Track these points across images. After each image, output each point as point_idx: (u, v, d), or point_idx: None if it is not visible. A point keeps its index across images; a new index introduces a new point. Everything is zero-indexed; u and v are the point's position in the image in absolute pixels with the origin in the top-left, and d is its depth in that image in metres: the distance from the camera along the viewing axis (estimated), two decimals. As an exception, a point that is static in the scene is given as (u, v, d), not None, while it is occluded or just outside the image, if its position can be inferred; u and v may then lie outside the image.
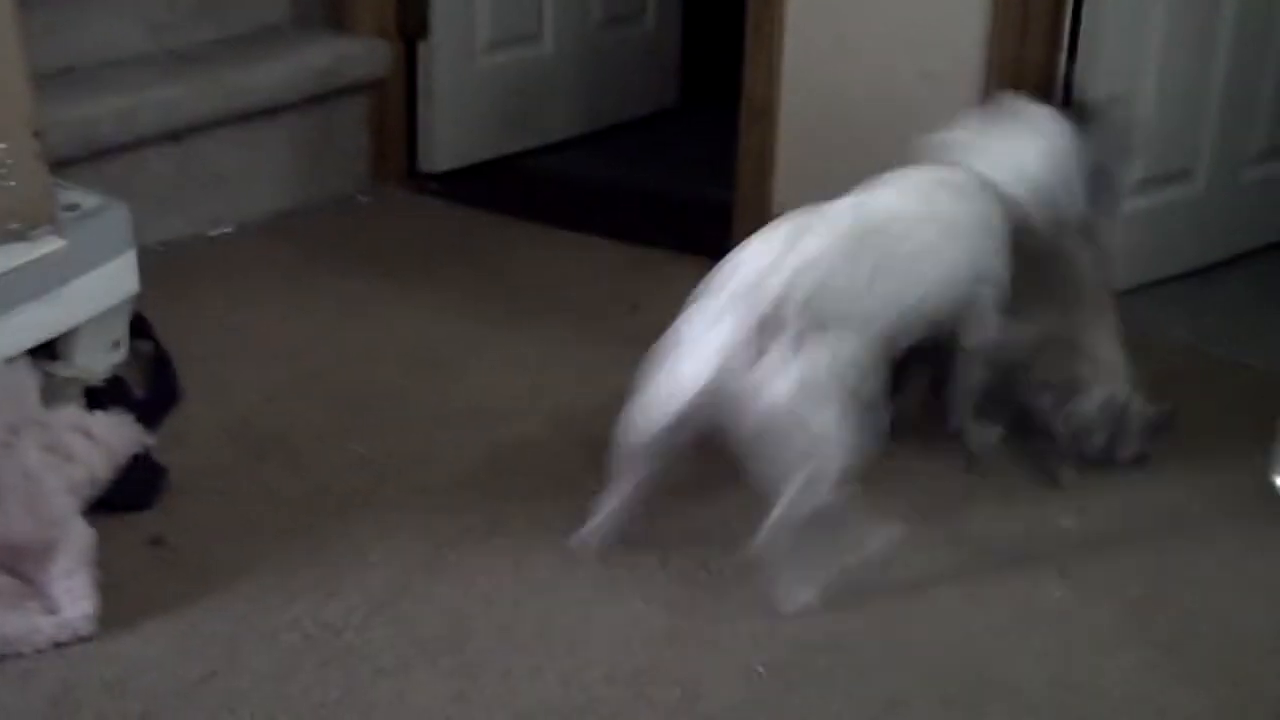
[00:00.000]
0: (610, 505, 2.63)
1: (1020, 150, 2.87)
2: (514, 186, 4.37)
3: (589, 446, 2.98)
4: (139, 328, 3.17)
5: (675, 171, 4.45)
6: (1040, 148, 2.88)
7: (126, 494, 2.69)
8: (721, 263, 2.60)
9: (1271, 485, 0.79)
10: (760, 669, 2.40)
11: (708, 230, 3.83)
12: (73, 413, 2.80)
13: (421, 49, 4.28)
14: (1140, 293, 3.74)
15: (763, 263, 2.51)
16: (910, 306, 2.66)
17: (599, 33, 4.72)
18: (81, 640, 2.36)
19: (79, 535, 2.49)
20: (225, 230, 3.93)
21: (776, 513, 2.44)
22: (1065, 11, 3.50)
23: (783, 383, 2.42)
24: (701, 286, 2.59)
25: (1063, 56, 3.52)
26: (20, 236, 2.85)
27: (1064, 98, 3.33)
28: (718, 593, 2.58)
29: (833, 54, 3.68)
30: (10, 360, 2.78)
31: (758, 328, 2.44)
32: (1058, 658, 2.46)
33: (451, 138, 4.36)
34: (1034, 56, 3.50)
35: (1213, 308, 3.75)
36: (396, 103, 4.28)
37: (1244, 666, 2.44)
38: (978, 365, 2.93)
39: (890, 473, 2.92)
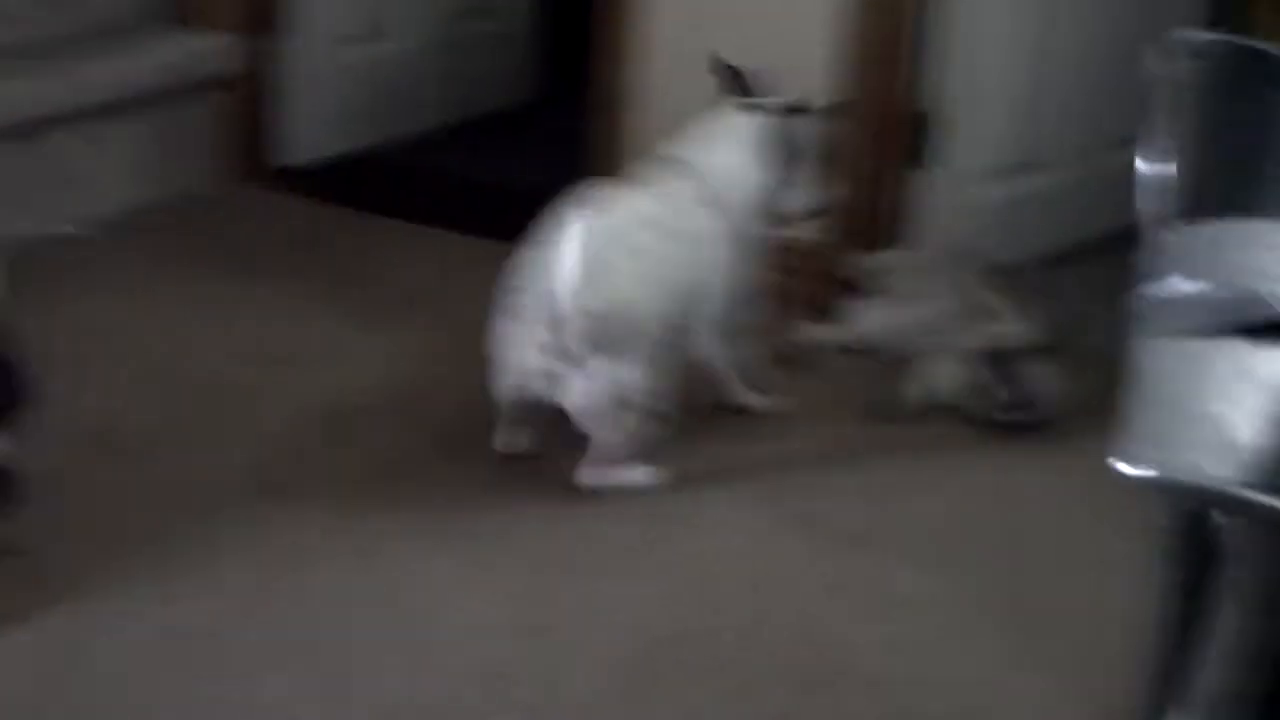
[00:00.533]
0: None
1: (737, 158, 3.00)
2: (372, 182, 4.33)
3: (446, 442, 2.97)
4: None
5: (535, 165, 4.42)
6: (754, 152, 3.01)
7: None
8: (524, 256, 2.79)
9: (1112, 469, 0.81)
10: (617, 659, 2.40)
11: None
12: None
13: (274, 44, 4.23)
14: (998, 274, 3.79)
15: (558, 269, 2.69)
16: (676, 315, 2.87)
17: (453, 25, 4.69)
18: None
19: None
20: (76, 229, 3.85)
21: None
22: (911, 13, 3.56)
23: (578, 386, 2.71)
24: (509, 278, 2.79)
25: (906, 52, 3.58)
26: None
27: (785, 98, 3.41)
28: (576, 588, 2.59)
29: (683, 51, 3.68)
30: None
31: (552, 331, 2.68)
32: (915, 644, 2.50)
33: (307, 133, 4.31)
34: (883, 54, 3.55)
35: (1065, 294, 3.81)
36: (251, 99, 4.22)
37: (1103, 649, 2.48)
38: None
39: (746, 459, 2.96)
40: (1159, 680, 0.93)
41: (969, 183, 3.80)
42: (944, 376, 3.19)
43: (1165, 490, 0.72)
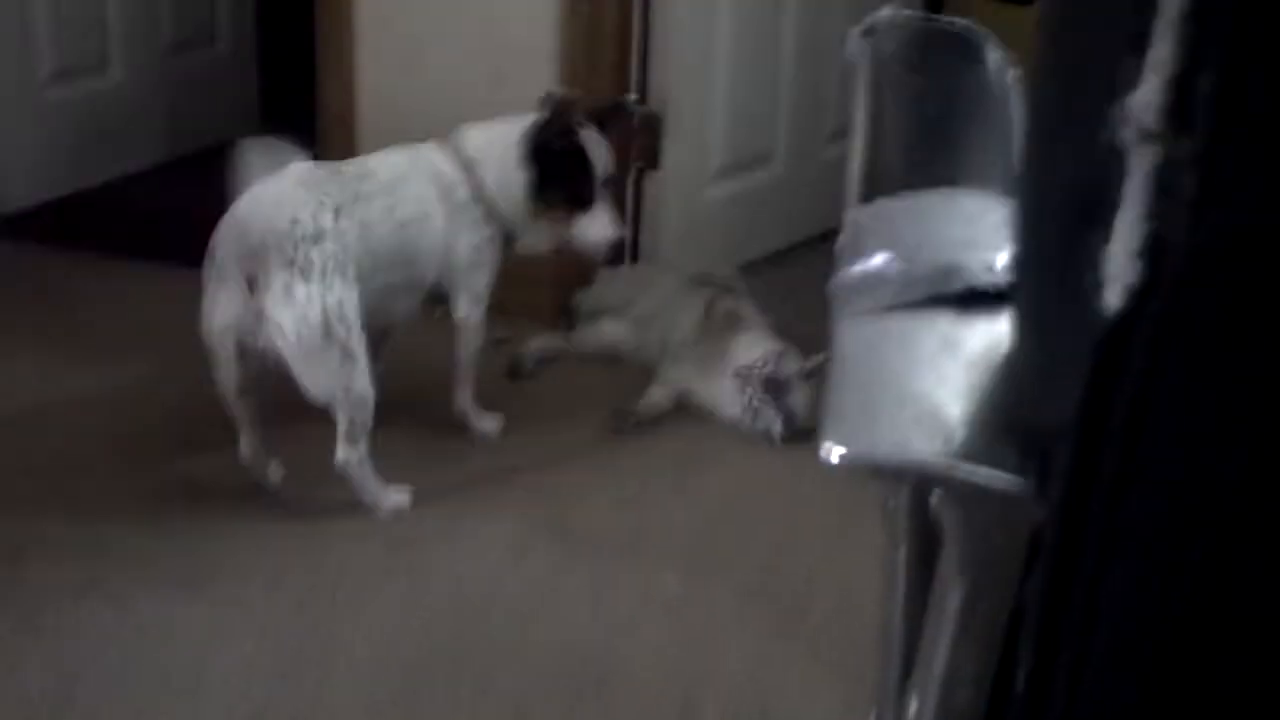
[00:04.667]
0: (246, 438, 2.82)
1: (503, 154, 2.97)
2: (91, 221, 4.18)
3: (184, 485, 2.88)
4: None
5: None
6: (510, 147, 2.98)
7: None
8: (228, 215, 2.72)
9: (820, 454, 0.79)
10: (383, 691, 2.35)
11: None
12: None
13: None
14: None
15: (257, 212, 2.67)
16: (399, 270, 2.84)
17: (170, 59, 4.57)
18: None
19: None
20: None
21: (340, 448, 2.74)
22: (633, 18, 3.56)
23: (284, 320, 2.62)
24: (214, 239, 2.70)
25: (634, 60, 3.59)
26: None
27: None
28: (333, 618, 2.52)
29: (408, 62, 3.65)
30: None
31: (259, 271, 2.62)
32: (678, 648, 2.49)
33: (19, 176, 4.15)
34: (606, 59, 3.55)
35: (803, 286, 3.86)
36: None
37: (861, 631, 2.50)
38: (473, 338, 3.04)
39: (496, 472, 2.93)
40: (900, 664, 0.92)
41: (700, 183, 3.82)
42: (706, 382, 3.21)
43: (872, 470, 0.71)
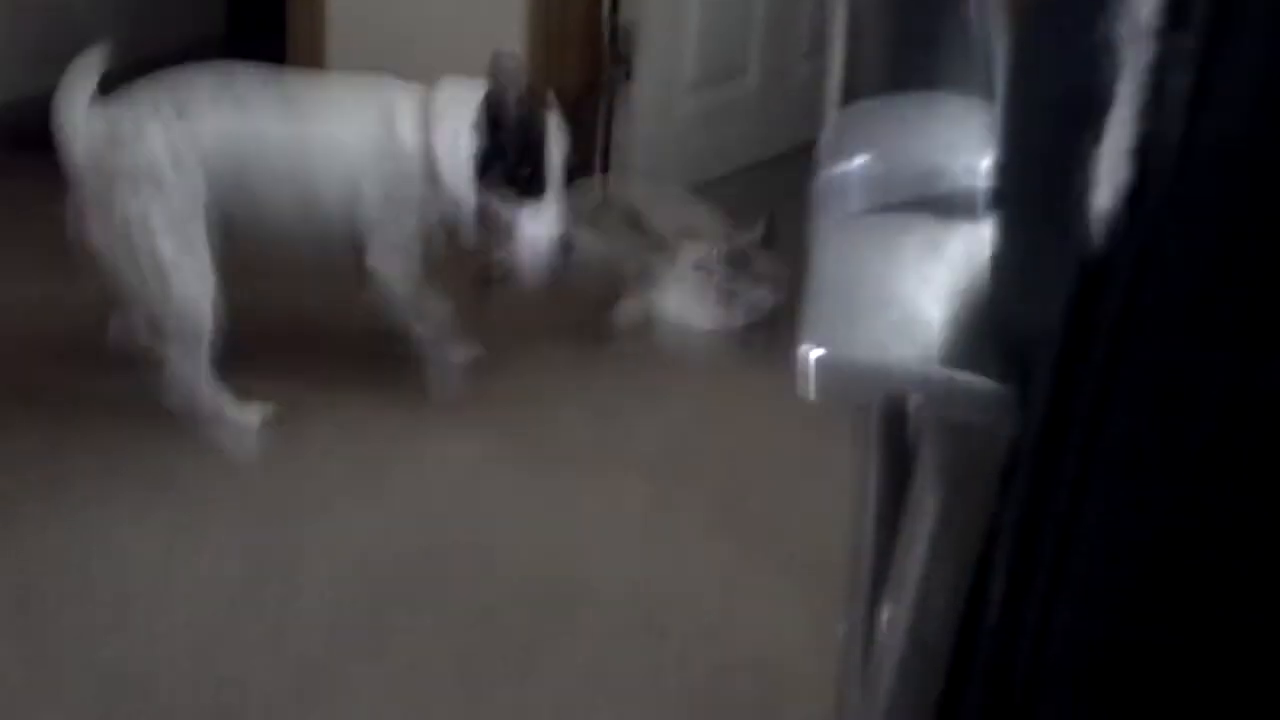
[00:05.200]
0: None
1: (461, 106, 2.72)
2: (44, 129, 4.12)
3: (146, 397, 2.86)
4: None
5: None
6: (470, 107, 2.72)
7: None
8: None
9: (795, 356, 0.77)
10: (349, 596, 2.34)
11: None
12: None
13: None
14: (705, 189, 3.80)
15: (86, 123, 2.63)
16: (284, 188, 2.69)
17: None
18: None
19: None
20: None
21: (171, 370, 2.68)
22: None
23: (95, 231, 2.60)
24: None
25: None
26: None
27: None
28: (296, 531, 2.51)
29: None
30: None
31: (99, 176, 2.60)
32: (644, 559, 2.48)
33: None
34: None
35: (775, 201, 3.83)
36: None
37: (831, 551, 2.49)
38: (392, 291, 2.82)
39: (473, 384, 2.91)
40: (870, 582, 0.91)
41: (673, 94, 3.79)
42: (668, 294, 3.18)
43: (849, 374, 0.69)
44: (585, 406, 2.94)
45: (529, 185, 2.68)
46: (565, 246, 2.71)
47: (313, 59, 3.65)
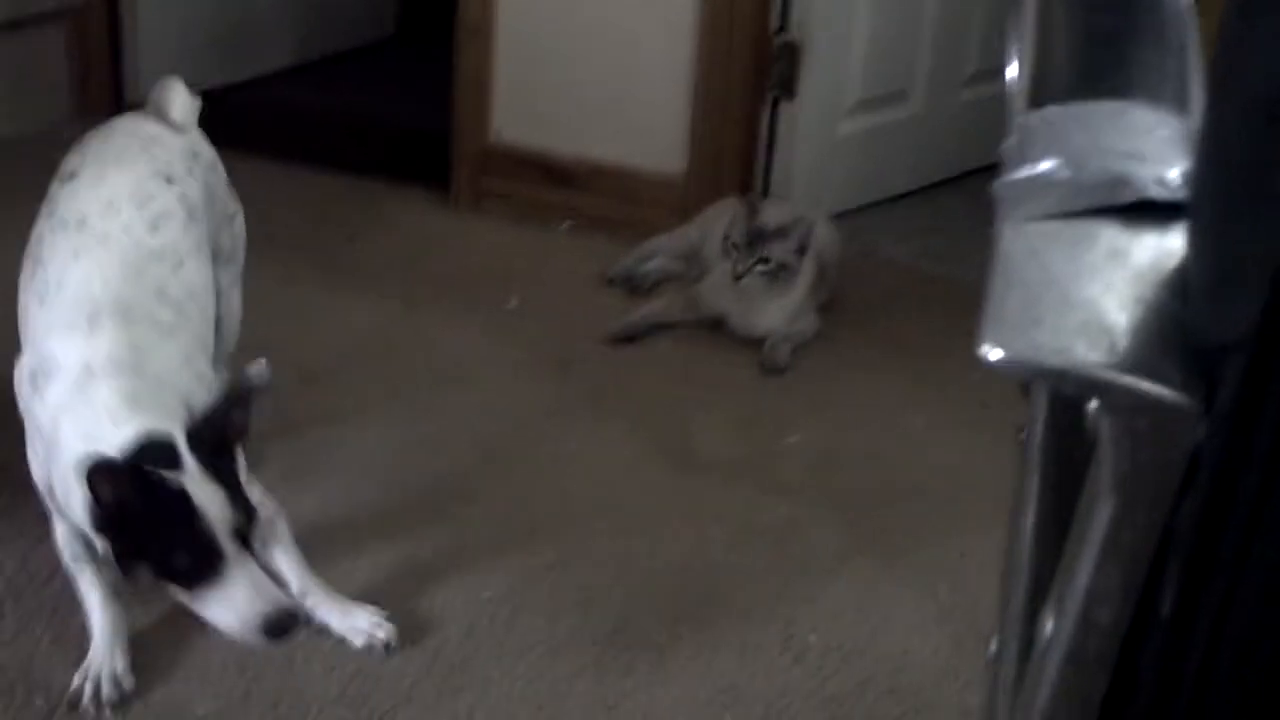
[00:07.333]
0: None
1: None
2: (228, 117, 4.19)
3: (311, 382, 2.90)
4: None
5: (392, 101, 4.35)
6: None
7: None
8: None
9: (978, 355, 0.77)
10: (487, 595, 2.36)
11: (425, 159, 3.78)
12: None
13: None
14: (862, 213, 3.79)
15: None
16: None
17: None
18: None
19: None
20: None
21: None
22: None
23: None
24: None
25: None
26: None
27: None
28: (452, 529, 2.54)
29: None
30: None
31: None
32: (783, 574, 2.47)
33: (159, 68, 4.15)
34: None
35: (933, 228, 3.82)
36: (99, 31, 4.09)
37: (963, 573, 2.47)
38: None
39: (615, 386, 2.92)
40: (1029, 584, 0.89)
41: (836, 115, 3.78)
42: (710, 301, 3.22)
43: (1032, 374, 0.68)
44: (734, 412, 2.94)
45: (194, 574, 1.94)
46: (286, 621, 1.94)
47: (481, 64, 3.70)
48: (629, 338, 3.15)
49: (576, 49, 3.60)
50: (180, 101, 2.51)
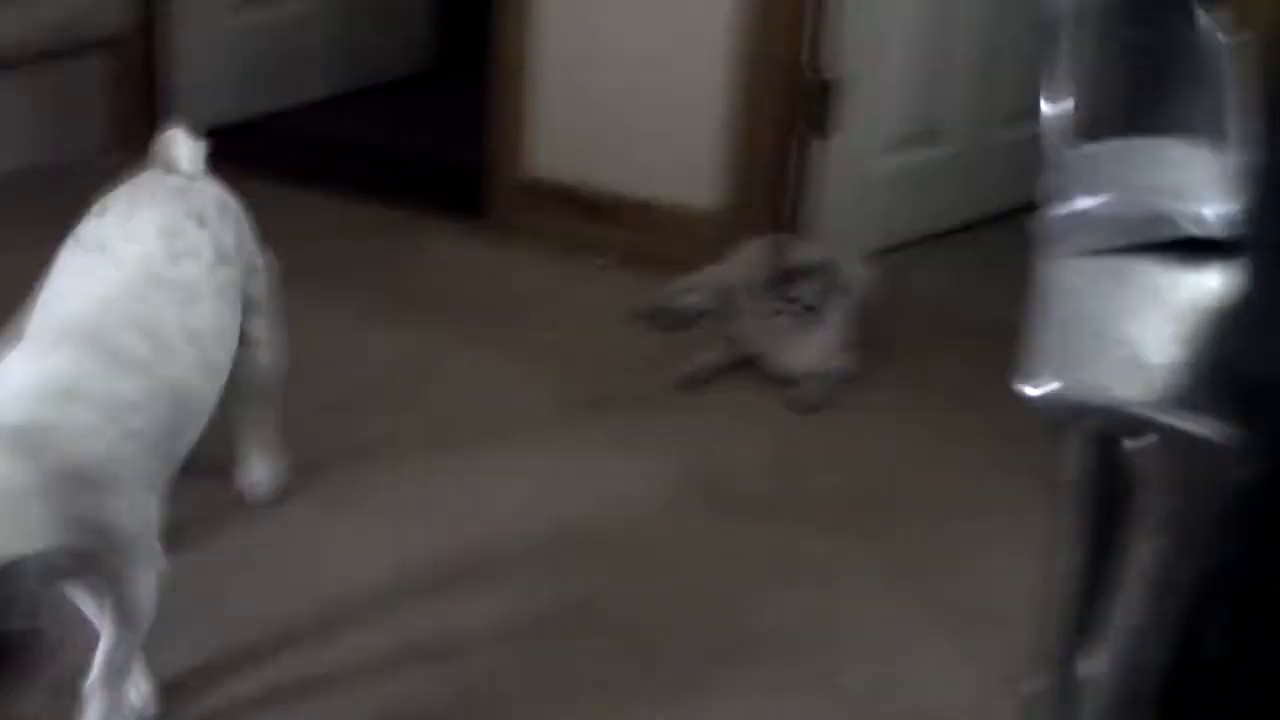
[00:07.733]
0: None
1: None
2: (266, 147, 4.23)
3: (332, 411, 2.91)
4: None
5: (429, 134, 4.36)
6: None
7: None
8: None
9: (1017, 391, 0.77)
10: (517, 629, 2.36)
11: (460, 192, 3.78)
12: None
13: (167, 5, 4.13)
14: (896, 252, 3.78)
15: None
16: None
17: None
18: None
19: None
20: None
21: None
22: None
23: None
24: None
25: (809, 19, 3.54)
26: None
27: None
28: (481, 561, 2.53)
29: (585, 9, 3.64)
30: None
31: None
32: (816, 612, 2.46)
33: (200, 98, 4.20)
34: (783, 20, 3.51)
35: (969, 266, 3.80)
36: (139, 60, 4.11)
37: (999, 613, 2.46)
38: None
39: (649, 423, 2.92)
40: (1068, 625, 0.89)
41: (871, 153, 3.77)
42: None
43: (1072, 411, 0.68)
44: (767, 447, 2.93)
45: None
46: None
47: (517, 98, 3.71)
48: (695, 383, 3.15)
49: (612, 84, 3.60)
50: (186, 152, 2.49)
